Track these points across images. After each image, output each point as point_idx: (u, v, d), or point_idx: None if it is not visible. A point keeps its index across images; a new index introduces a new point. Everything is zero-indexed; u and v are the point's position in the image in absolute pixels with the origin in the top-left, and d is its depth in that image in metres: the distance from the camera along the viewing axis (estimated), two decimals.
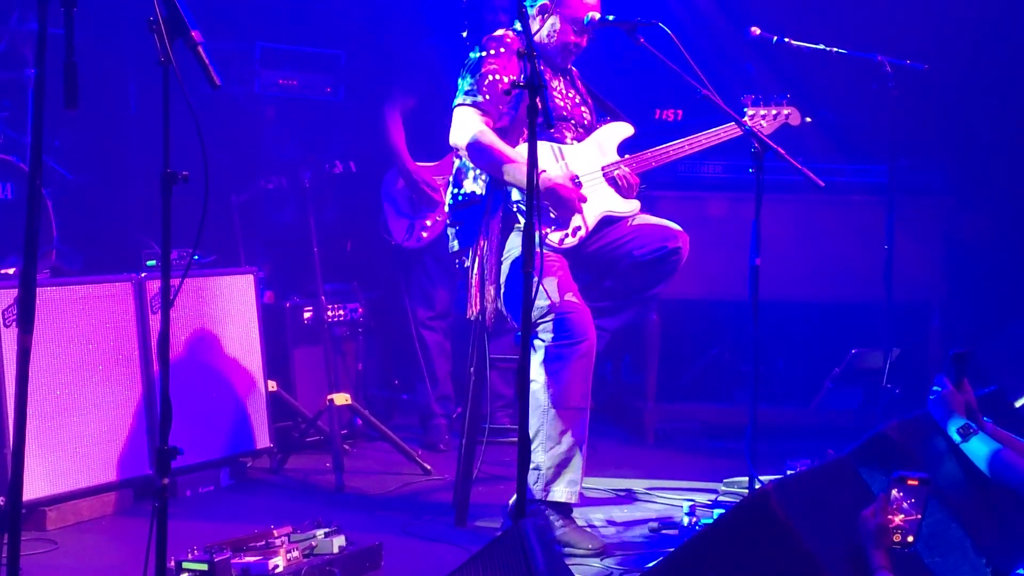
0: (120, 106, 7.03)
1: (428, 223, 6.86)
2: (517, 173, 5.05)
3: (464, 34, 6.73)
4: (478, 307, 5.16)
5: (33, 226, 3.24)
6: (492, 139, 5.16)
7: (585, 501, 5.44)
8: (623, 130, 5.46)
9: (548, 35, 5.37)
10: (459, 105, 5.26)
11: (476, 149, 5.18)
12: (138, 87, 7.06)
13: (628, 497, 5.88)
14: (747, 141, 5.32)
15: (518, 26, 5.39)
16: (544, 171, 5.04)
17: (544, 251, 4.75)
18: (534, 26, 5.33)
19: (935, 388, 3.98)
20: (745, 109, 5.59)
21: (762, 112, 5.62)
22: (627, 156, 5.40)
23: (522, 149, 5.10)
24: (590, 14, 5.32)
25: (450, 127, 5.28)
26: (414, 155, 6.87)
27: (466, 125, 5.21)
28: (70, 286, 5.32)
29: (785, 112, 5.65)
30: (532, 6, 5.35)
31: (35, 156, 3.27)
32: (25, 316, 3.24)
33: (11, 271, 5.50)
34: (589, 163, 5.33)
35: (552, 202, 5.16)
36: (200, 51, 3.49)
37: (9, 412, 4.93)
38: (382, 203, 6.96)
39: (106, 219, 6.87)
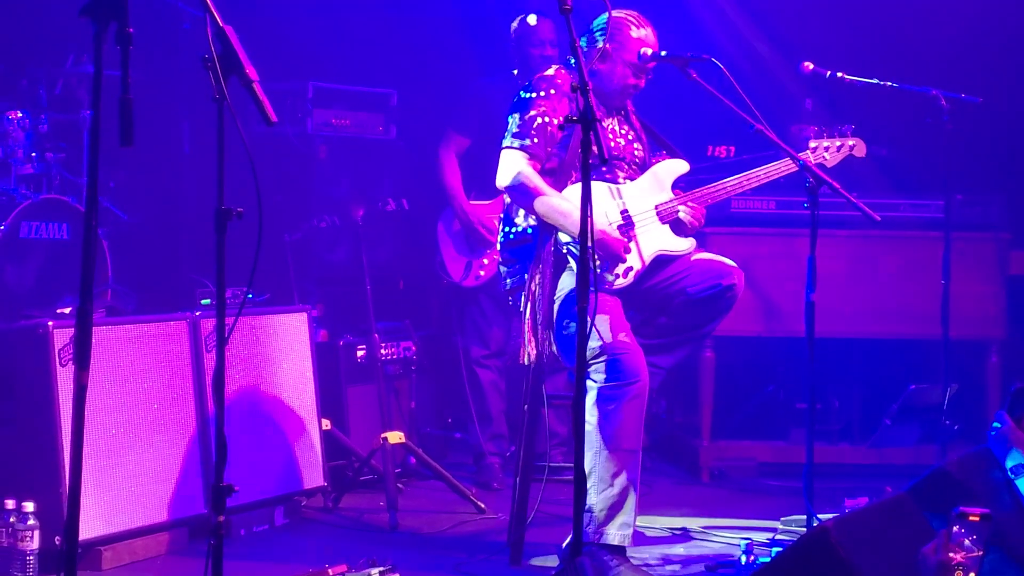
0: (174, 147, 7.10)
1: (485, 261, 6.87)
2: (561, 219, 5.04)
3: (515, 72, 6.77)
4: (533, 350, 5.12)
5: (89, 266, 3.25)
6: (538, 184, 5.12)
7: (641, 540, 5.39)
8: (678, 167, 5.39)
9: (607, 79, 5.32)
10: (507, 148, 5.22)
11: (520, 193, 5.14)
12: (191, 128, 7.12)
13: (684, 536, 5.82)
14: (802, 176, 5.27)
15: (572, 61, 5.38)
16: None
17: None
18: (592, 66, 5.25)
19: (995, 424, 3.94)
20: (809, 141, 5.54)
21: (825, 144, 5.54)
22: (682, 193, 5.36)
23: (571, 190, 5.08)
24: (643, 49, 5.28)
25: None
26: (468, 193, 6.88)
27: (512, 169, 5.17)
28: (125, 325, 5.33)
29: (850, 143, 5.57)
30: (591, 47, 5.27)
31: (91, 197, 3.29)
32: (81, 354, 3.25)
33: (67, 310, 5.54)
34: (644, 201, 5.29)
35: (596, 250, 5.09)
36: (255, 87, 3.49)
37: (65, 451, 4.95)
38: (439, 244, 6.98)
39: (160, 259, 6.93)
